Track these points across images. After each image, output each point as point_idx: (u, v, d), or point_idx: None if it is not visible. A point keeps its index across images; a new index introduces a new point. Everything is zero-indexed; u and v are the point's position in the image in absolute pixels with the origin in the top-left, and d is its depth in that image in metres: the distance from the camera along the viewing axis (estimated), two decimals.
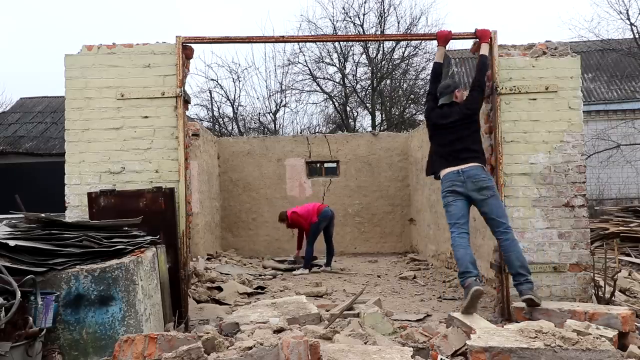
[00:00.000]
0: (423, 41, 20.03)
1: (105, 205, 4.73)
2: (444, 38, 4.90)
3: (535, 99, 4.96)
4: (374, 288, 7.00)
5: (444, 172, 4.57)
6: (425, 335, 3.82)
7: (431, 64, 19.45)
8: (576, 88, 5.00)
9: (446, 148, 4.61)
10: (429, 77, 5.03)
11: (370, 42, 19.97)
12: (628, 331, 3.67)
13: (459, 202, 4.48)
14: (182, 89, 4.85)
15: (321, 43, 20.42)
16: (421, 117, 20.07)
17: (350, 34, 20.03)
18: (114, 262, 3.61)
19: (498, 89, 4.93)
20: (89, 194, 4.76)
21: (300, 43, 20.50)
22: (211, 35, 4.78)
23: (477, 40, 4.98)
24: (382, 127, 20.11)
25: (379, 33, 19.93)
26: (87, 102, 4.98)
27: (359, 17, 20.05)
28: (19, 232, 3.72)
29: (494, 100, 4.96)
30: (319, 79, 20.92)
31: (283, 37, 4.78)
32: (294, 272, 8.48)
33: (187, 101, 5.16)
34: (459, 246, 4.39)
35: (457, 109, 4.63)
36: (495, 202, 4.45)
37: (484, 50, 4.82)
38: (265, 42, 4.97)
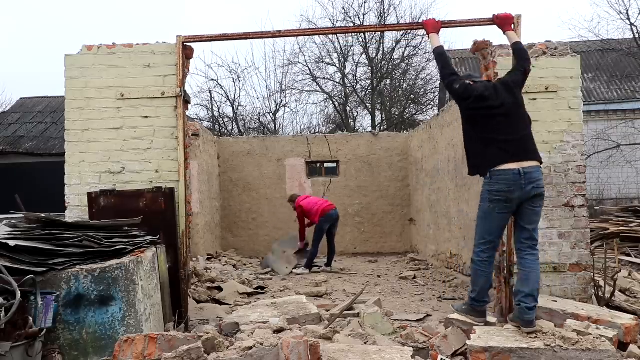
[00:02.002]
0: (423, 41, 20.04)
1: (105, 205, 4.74)
2: (432, 26, 4.33)
3: (535, 99, 4.95)
4: (374, 288, 7.00)
5: (500, 168, 3.65)
6: (425, 335, 3.82)
7: (432, 63, 18.99)
8: (576, 88, 4.99)
9: (502, 135, 3.71)
10: (435, 68, 4.65)
11: (370, 42, 19.97)
12: (629, 342, 3.62)
13: (507, 216, 3.76)
14: (182, 88, 4.84)
15: (321, 43, 20.43)
16: (421, 117, 20.08)
17: (349, 34, 20.04)
18: (114, 262, 3.61)
19: None
20: (89, 194, 4.76)
21: (300, 43, 20.50)
22: (210, 34, 4.76)
23: (500, 28, 4.42)
24: (382, 127, 20.11)
25: (379, 33, 19.94)
26: (87, 102, 4.98)
27: (359, 17, 20.05)
28: (19, 232, 3.72)
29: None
30: (319, 79, 20.94)
31: (280, 31, 4.74)
32: (294, 272, 8.48)
33: (187, 101, 5.16)
34: (483, 273, 3.84)
35: (502, 87, 3.90)
36: (540, 212, 3.80)
37: (513, 37, 4.27)
38: (261, 37, 4.99)
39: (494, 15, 4.34)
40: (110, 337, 3.47)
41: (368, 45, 20.24)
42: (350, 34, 20.15)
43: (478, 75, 4.32)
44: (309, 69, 20.72)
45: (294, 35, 4.97)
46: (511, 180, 3.60)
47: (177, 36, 4.76)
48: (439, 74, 4.16)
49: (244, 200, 11.70)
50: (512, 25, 4.43)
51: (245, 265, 9.60)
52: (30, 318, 3.09)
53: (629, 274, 6.28)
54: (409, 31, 19.77)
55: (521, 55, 4.13)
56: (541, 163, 3.79)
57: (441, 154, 8.58)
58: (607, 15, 38.16)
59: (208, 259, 9.22)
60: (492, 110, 3.77)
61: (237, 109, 21.57)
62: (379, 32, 19.81)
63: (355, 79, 21.05)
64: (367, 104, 21.15)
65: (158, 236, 4.45)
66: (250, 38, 4.83)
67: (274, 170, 11.77)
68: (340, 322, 4.40)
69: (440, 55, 4.12)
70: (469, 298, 3.89)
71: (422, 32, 19.55)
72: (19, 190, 7.43)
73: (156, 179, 4.93)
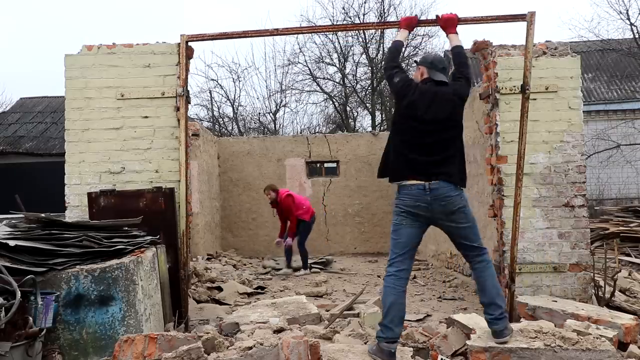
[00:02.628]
0: (422, 41, 20.06)
1: (105, 205, 4.74)
2: (407, 23, 3.98)
3: (535, 99, 4.95)
4: (374, 288, 6.99)
5: (407, 183, 3.41)
6: (425, 335, 3.82)
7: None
8: (576, 88, 4.99)
9: (414, 153, 3.43)
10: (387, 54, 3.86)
11: (369, 41, 19.97)
12: (629, 342, 3.62)
13: (415, 230, 3.44)
14: (185, 88, 4.82)
15: (321, 43, 20.44)
16: None
17: (350, 33, 20.04)
18: (114, 262, 3.61)
19: (527, 90, 4.38)
20: (89, 194, 4.76)
21: (300, 43, 20.50)
22: (212, 32, 4.75)
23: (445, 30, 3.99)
24: (382, 127, 20.10)
25: (379, 33, 19.95)
26: (87, 102, 4.98)
27: (359, 17, 20.05)
28: (19, 232, 3.72)
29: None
30: (319, 79, 20.94)
31: (277, 29, 4.71)
32: (296, 273, 8.41)
33: (187, 101, 5.16)
34: (392, 290, 3.40)
35: (449, 98, 3.48)
36: (468, 227, 3.45)
37: (454, 40, 3.84)
38: (261, 35, 4.95)
39: (437, 16, 3.98)
40: (110, 337, 3.47)
41: (368, 45, 20.25)
42: (350, 34, 20.17)
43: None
44: (309, 69, 20.73)
45: (293, 33, 4.92)
46: (415, 195, 3.38)
47: (180, 35, 4.74)
48: (384, 70, 4.03)
49: (244, 200, 11.70)
50: (531, 23, 4.27)
51: (245, 265, 9.60)
52: (30, 318, 3.09)
53: (629, 274, 6.28)
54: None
55: (459, 60, 3.71)
56: (458, 182, 3.43)
57: None
58: (607, 15, 38.17)
59: (208, 259, 9.22)
60: (420, 125, 3.43)
61: (237, 109, 21.60)
62: (379, 32, 19.81)
63: (355, 79, 21.06)
64: (367, 104, 21.16)
65: (158, 236, 4.45)
66: (250, 36, 4.83)
67: (274, 170, 11.77)
68: (340, 322, 4.40)
69: (395, 48, 3.80)
70: (378, 329, 3.40)
71: (421, 32, 19.63)
72: (19, 190, 7.43)
73: (156, 179, 4.93)
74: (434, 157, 3.41)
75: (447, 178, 3.39)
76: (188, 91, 4.87)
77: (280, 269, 8.62)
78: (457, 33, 3.88)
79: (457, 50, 3.75)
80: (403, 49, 4.18)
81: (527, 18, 4.23)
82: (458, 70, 3.69)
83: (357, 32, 20.08)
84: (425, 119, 3.42)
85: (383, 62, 4.16)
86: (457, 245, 3.54)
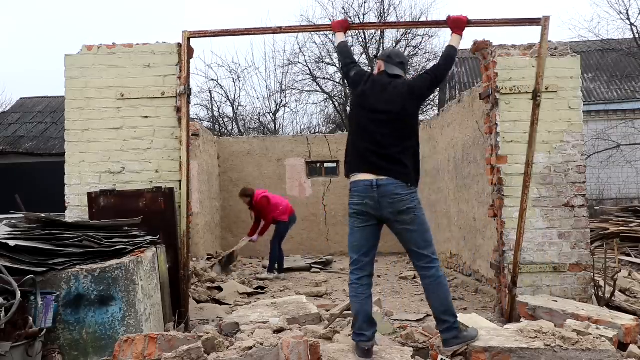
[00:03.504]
0: (422, 41, 20.05)
1: (105, 205, 4.73)
2: (339, 26, 4.14)
3: None
4: (374, 288, 6.97)
5: (354, 178, 3.36)
6: (425, 335, 3.82)
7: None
8: (576, 88, 4.99)
9: (365, 143, 3.35)
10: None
11: (369, 41, 19.96)
12: (630, 342, 3.62)
13: (368, 230, 3.34)
14: (187, 86, 4.76)
15: (321, 43, 20.43)
16: (421, 117, 20.04)
17: (350, 33, 20.02)
18: (114, 262, 3.61)
19: (539, 97, 4.20)
20: (89, 194, 4.76)
21: (300, 43, 20.50)
22: (213, 29, 4.73)
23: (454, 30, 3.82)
24: None
25: (379, 33, 19.94)
26: (87, 102, 4.98)
27: (359, 17, 20.03)
28: (19, 232, 3.72)
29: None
30: (319, 79, 20.92)
31: (281, 28, 4.70)
32: (258, 275, 8.09)
33: (188, 100, 5.16)
34: (356, 297, 3.35)
35: (400, 91, 3.39)
36: (417, 231, 3.32)
37: (454, 42, 3.71)
38: (263, 33, 5.00)
39: (448, 16, 3.84)
40: (110, 337, 3.47)
41: (368, 45, 20.24)
42: (351, 34, 20.14)
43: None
44: (309, 69, 20.71)
45: (295, 32, 5.05)
46: (362, 192, 3.27)
47: (182, 31, 4.64)
48: (342, 67, 3.96)
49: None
50: (545, 28, 4.07)
51: (245, 265, 9.60)
52: (30, 318, 3.09)
53: (629, 274, 6.29)
54: (409, 31, 19.79)
55: (443, 60, 3.59)
56: (409, 181, 3.30)
57: (441, 154, 8.58)
58: (607, 15, 38.16)
59: (208, 259, 9.22)
60: (371, 114, 3.37)
61: (237, 109, 21.59)
62: (379, 32, 19.80)
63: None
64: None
65: (158, 236, 4.45)
66: (253, 34, 4.85)
67: (274, 170, 11.76)
68: (340, 322, 4.40)
69: (341, 49, 3.97)
70: (352, 330, 3.39)
71: (421, 32, 19.63)
72: (19, 190, 7.43)
73: (156, 179, 4.93)
74: (384, 150, 3.30)
75: (397, 175, 3.26)
76: (190, 89, 4.83)
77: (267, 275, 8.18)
78: (462, 35, 3.75)
79: (447, 51, 3.64)
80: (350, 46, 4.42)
81: (542, 23, 4.01)
82: (431, 67, 3.70)
83: (357, 32, 20.07)
84: (376, 108, 3.37)
85: (340, 65, 4.35)
86: (407, 252, 3.44)
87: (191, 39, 4.70)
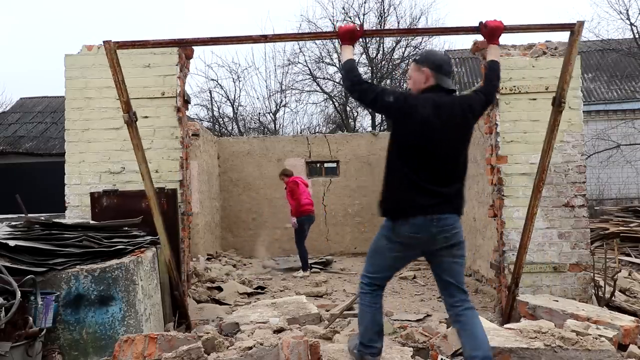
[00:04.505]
0: (422, 41, 20.05)
1: (107, 205, 4.74)
2: (348, 36, 3.30)
3: (535, 99, 4.96)
4: None
5: (412, 219, 2.91)
6: (425, 335, 3.82)
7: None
8: (576, 88, 4.99)
9: (426, 176, 2.92)
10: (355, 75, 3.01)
11: (369, 42, 19.95)
12: (629, 344, 3.62)
13: (406, 259, 3.17)
14: (128, 111, 3.96)
15: (321, 43, 20.43)
16: None
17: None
18: (114, 262, 3.62)
19: (563, 103, 3.83)
20: (92, 194, 4.77)
21: (300, 43, 20.49)
22: (146, 40, 3.84)
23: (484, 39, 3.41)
24: (382, 127, 20.11)
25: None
26: (87, 102, 4.98)
27: (359, 17, 20.07)
28: (19, 232, 3.73)
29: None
30: (319, 79, 20.95)
31: (265, 36, 3.83)
32: (294, 274, 8.35)
33: (187, 101, 5.17)
34: (369, 307, 3.07)
35: (466, 114, 3.01)
36: (462, 265, 3.05)
37: (495, 53, 3.29)
38: (227, 43, 4.11)
39: (481, 23, 3.31)
40: (110, 337, 3.47)
41: (368, 45, 20.25)
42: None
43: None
44: (309, 69, 20.74)
45: (282, 41, 3.87)
46: (419, 228, 2.89)
47: (104, 42, 3.85)
48: (351, 92, 3.13)
49: (244, 200, 11.70)
50: (574, 33, 3.71)
51: (245, 265, 9.61)
52: (30, 318, 3.09)
53: (629, 274, 6.29)
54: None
55: (490, 77, 3.22)
56: (461, 215, 3.04)
57: None
58: (607, 15, 38.18)
59: (208, 259, 9.22)
60: (436, 145, 2.90)
61: (237, 109, 21.60)
62: (379, 41, 19.80)
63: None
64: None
65: (158, 236, 4.44)
66: (186, 44, 4.24)
67: (274, 170, 11.75)
68: (340, 322, 4.40)
69: (350, 67, 3.14)
70: (358, 342, 3.11)
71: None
72: (19, 190, 7.41)
73: (156, 179, 4.92)
74: (448, 184, 2.94)
75: (457, 209, 2.98)
76: (186, 91, 4.82)
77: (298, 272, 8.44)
78: (499, 45, 3.37)
79: (494, 66, 3.22)
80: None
81: (575, 28, 3.73)
82: (485, 86, 3.21)
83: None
84: (443, 137, 2.91)
85: (346, 85, 3.10)
86: (443, 285, 3.03)
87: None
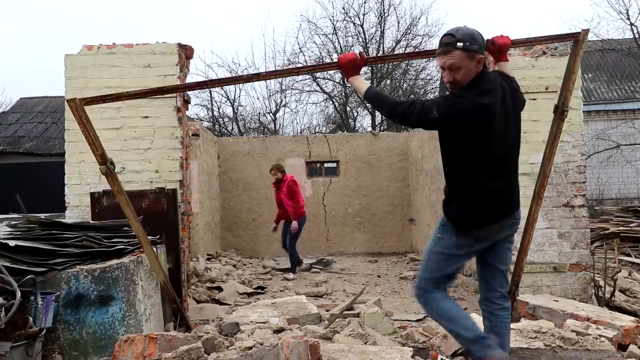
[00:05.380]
0: (422, 41, 20.08)
1: (107, 205, 4.74)
2: (351, 66, 2.99)
3: (535, 99, 4.96)
4: (374, 288, 7.00)
5: (491, 226, 2.80)
6: (425, 335, 3.82)
7: (432, 64, 18.59)
8: (576, 88, 4.98)
9: (500, 183, 2.76)
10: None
11: (369, 42, 19.96)
12: (629, 344, 3.61)
13: (467, 260, 2.99)
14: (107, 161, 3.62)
15: (321, 43, 20.48)
16: None
17: (350, 33, 20.08)
18: (114, 262, 3.61)
19: (566, 111, 3.67)
20: (92, 194, 4.77)
21: (300, 43, 20.47)
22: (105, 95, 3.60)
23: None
24: (382, 127, 20.11)
25: (379, 33, 19.97)
26: None
27: (359, 17, 20.07)
28: (19, 232, 3.73)
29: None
30: (319, 79, 20.93)
31: (259, 75, 3.39)
32: (286, 276, 8.13)
33: (187, 101, 5.18)
34: (452, 305, 2.89)
35: (520, 100, 2.86)
36: (511, 249, 2.99)
37: (506, 70, 3.02)
38: (200, 88, 3.96)
39: (489, 41, 2.92)
40: (110, 337, 3.47)
41: (368, 45, 20.25)
42: (351, 34, 20.18)
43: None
44: None
45: (274, 78, 3.35)
46: (497, 230, 2.82)
47: (68, 100, 3.46)
48: (393, 119, 2.87)
49: (244, 200, 11.70)
50: (578, 42, 3.56)
51: (245, 265, 9.61)
52: (30, 318, 3.10)
53: (629, 274, 6.29)
54: (409, 31, 19.80)
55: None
56: None
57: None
58: (607, 15, 38.15)
59: (208, 259, 9.22)
60: (505, 146, 2.71)
61: (237, 109, 21.59)
62: (379, 32, 19.84)
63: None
64: (367, 104, 21.16)
65: (158, 236, 4.45)
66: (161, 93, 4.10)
67: None
68: (340, 322, 4.40)
69: (376, 98, 2.90)
70: (467, 349, 2.87)
71: (422, 32, 19.66)
72: (19, 190, 7.43)
73: (156, 179, 4.93)
74: (513, 184, 2.84)
75: (519, 201, 2.91)
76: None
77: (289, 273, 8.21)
78: (508, 60, 3.10)
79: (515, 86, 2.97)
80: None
81: (580, 37, 3.62)
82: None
83: (357, 32, 20.11)
84: (509, 138, 2.73)
85: (386, 115, 2.83)
86: (490, 273, 2.90)
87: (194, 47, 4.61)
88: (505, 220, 2.80)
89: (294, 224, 8.11)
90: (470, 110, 2.57)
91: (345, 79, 3.08)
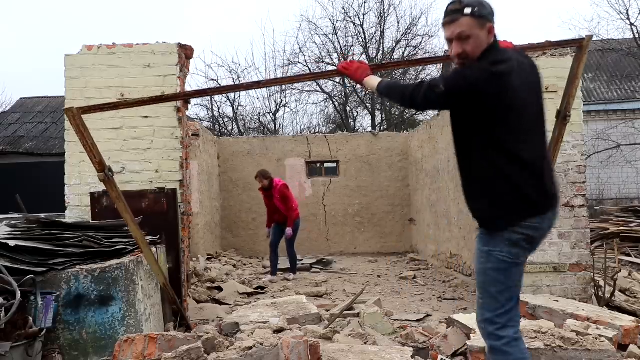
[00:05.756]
0: (422, 41, 20.09)
1: (107, 205, 4.73)
2: (356, 72, 2.85)
3: None
4: (374, 288, 7.00)
5: (544, 215, 2.35)
6: (425, 335, 3.82)
7: (432, 64, 18.47)
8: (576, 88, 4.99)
9: (542, 165, 2.36)
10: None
11: (369, 42, 19.96)
12: (629, 344, 3.61)
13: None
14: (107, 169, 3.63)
15: (321, 43, 20.48)
16: (421, 117, 20.04)
17: (350, 33, 20.09)
18: (114, 262, 3.61)
19: (568, 117, 3.62)
20: (92, 194, 4.77)
21: (300, 43, 20.49)
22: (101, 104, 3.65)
23: None
24: (382, 127, 20.11)
25: (379, 33, 19.98)
26: (87, 102, 4.97)
27: (359, 17, 20.06)
28: (19, 232, 3.73)
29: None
30: (319, 79, 20.92)
31: (259, 83, 3.54)
32: (286, 277, 8.08)
33: (187, 101, 5.18)
34: (520, 355, 2.32)
35: (535, 77, 2.43)
36: None
37: None
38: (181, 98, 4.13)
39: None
40: (110, 337, 3.47)
41: (368, 45, 20.26)
42: (350, 34, 20.18)
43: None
44: (309, 69, 20.72)
45: (274, 85, 3.57)
46: (546, 227, 2.42)
47: (66, 109, 3.59)
48: (410, 106, 2.51)
49: (244, 200, 11.70)
50: (582, 48, 3.45)
51: (245, 265, 9.61)
52: (30, 318, 3.09)
53: (629, 274, 6.28)
54: (409, 31, 19.81)
55: None
56: None
57: (441, 154, 8.58)
58: (607, 15, 38.14)
59: (208, 259, 9.22)
60: (534, 121, 2.38)
61: (237, 109, 21.58)
62: (379, 32, 19.84)
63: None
64: (367, 104, 21.16)
65: (158, 236, 4.45)
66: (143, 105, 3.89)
67: (274, 170, 11.72)
68: (340, 322, 4.40)
69: (388, 88, 2.64)
70: None
71: (421, 32, 19.66)
72: (19, 190, 7.42)
73: (156, 179, 4.93)
74: (550, 167, 2.48)
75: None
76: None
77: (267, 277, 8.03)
78: None
79: None
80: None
81: (584, 43, 3.54)
82: None
83: (357, 32, 20.11)
84: (533, 114, 2.37)
85: (401, 103, 2.71)
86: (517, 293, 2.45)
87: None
88: (554, 209, 2.38)
89: (289, 230, 7.93)
90: (482, 79, 2.21)
91: (359, 84, 2.87)
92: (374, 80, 2.73)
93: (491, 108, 2.25)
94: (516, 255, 2.36)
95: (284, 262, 8.78)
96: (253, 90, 41.05)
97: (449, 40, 2.37)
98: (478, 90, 2.22)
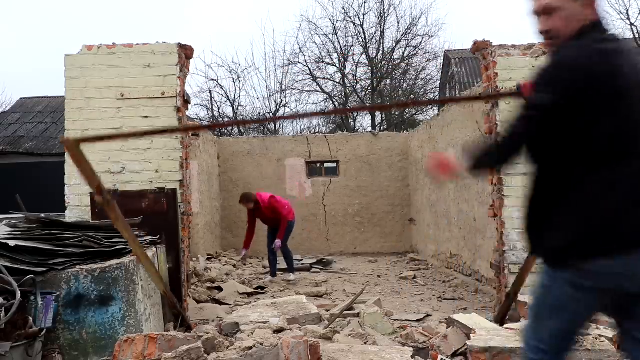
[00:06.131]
0: (422, 41, 20.08)
1: None
2: (448, 170, 2.06)
3: None
4: (374, 288, 7.00)
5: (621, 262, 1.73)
6: (425, 335, 3.82)
7: (431, 64, 18.34)
8: None
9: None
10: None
11: (370, 42, 19.96)
12: None
13: (591, 315, 2.00)
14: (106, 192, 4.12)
15: (321, 43, 20.48)
16: (421, 117, 20.06)
17: (350, 33, 20.09)
18: (114, 262, 3.61)
19: None
20: (92, 194, 4.76)
21: (300, 43, 20.49)
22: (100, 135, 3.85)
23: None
24: (382, 127, 20.11)
25: (379, 33, 19.98)
26: (87, 102, 4.98)
27: (359, 17, 20.06)
28: (19, 232, 3.73)
29: None
30: (319, 79, 20.93)
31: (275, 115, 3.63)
32: (289, 278, 8.12)
33: (187, 101, 5.18)
34: None
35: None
36: None
37: None
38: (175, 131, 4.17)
39: (519, 85, 2.18)
40: (110, 337, 3.47)
41: (368, 45, 20.26)
42: (350, 35, 20.17)
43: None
44: (309, 69, 20.72)
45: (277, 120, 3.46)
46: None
47: (63, 139, 3.21)
48: (506, 162, 2.01)
49: None
50: None
51: (245, 265, 9.61)
52: (30, 318, 3.09)
53: None
54: (409, 31, 19.81)
55: None
56: None
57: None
58: (607, 15, 38.14)
59: (208, 259, 9.23)
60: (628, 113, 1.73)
61: (237, 109, 21.57)
62: (379, 32, 19.84)
63: (355, 79, 21.06)
64: (367, 104, 21.16)
65: (158, 236, 4.45)
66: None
67: (274, 170, 11.76)
68: (340, 322, 4.40)
69: (474, 158, 1.99)
70: None
71: (421, 31, 19.67)
72: (19, 190, 7.42)
73: (156, 179, 4.93)
74: None
75: None
76: (186, 91, 4.81)
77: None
78: None
79: None
80: None
81: None
82: None
83: (357, 32, 20.11)
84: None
85: (497, 163, 2.18)
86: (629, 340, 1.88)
87: None
88: None
89: (278, 243, 7.78)
90: (584, 56, 1.71)
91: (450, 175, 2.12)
92: (462, 167, 2.04)
93: (604, 98, 1.69)
94: (576, 289, 1.90)
95: (283, 263, 8.76)
96: (253, 91, 40.94)
97: (537, 15, 1.90)
98: (583, 72, 1.69)
